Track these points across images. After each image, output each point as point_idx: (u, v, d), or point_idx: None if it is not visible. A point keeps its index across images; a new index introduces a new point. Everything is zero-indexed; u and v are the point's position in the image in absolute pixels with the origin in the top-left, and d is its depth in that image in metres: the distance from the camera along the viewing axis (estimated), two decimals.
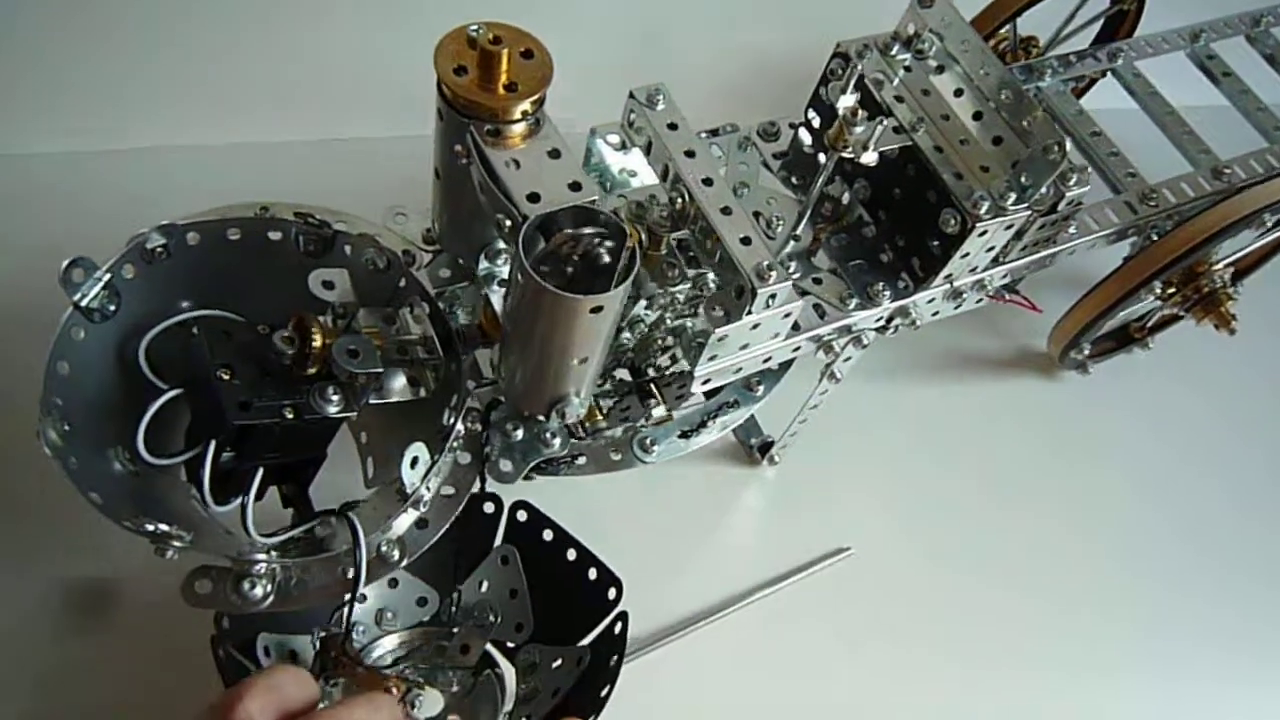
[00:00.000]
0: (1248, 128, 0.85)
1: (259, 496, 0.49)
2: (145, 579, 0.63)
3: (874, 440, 0.84)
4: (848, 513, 0.79)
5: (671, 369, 0.57)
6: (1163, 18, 0.90)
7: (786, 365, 0.63)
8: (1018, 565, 0.80)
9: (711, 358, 0.54)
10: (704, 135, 0.63)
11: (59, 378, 0.45)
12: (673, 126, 0.52)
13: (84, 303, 0.47)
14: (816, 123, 0.62)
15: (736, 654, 0.71)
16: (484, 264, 0.54)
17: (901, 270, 0.62)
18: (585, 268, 0.47)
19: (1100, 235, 0.72)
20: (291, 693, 0.37)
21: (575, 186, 0.46)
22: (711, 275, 0.52)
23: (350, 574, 0.47)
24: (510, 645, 0.59)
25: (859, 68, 0.55)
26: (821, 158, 0.56)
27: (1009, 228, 0.59)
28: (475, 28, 0.45)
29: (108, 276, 0.47)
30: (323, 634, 0.54)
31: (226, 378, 0.46)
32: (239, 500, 0.48)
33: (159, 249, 0.49)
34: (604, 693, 0.53)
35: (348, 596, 0.47)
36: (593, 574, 0.59)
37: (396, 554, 0.48)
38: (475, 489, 0.52)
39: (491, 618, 0.60)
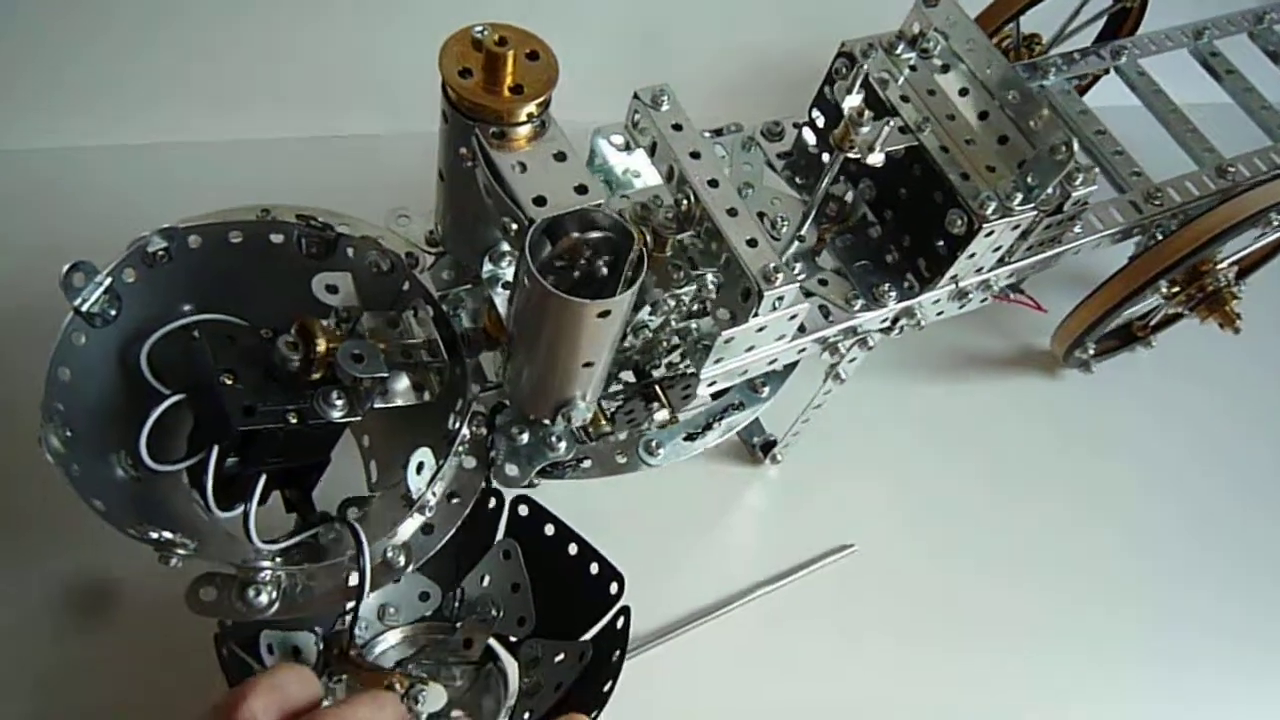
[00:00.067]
0: (1251, 125, 0.85)
1: (262, 501, 0.48)
2: (145, 579, 0.62)
3: (877, 439, 0.84)
4: (851, 511, 0.79)
5: (676, 371, 0.57)
6: (1165, 15, 0.90)
7: (791, 366, 0.62)
8: (1021, 562, 0.80)
9: (717, 360, 0.53)
10: (707, 135, 0.63)
11: (60, 383, 0.45)
12: (678, 127, 0.52)
13: (85, 308, 0.46)
14: (821, 122, 0.62)
15: (739, 650, 0.71)
16: (488, 266, 0.54)
17: (906, 271, 0.62)
18: (592, 271, 0.46)
19: (1105, 235, 0.71)
20: (295, 692, 0.37)
21: (582, 189, 0.45)
22: (710, 277, 0.51)
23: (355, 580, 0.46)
24: (513, 639, 0.59)
25: (864, 68, 0.55)
26: (826, 158, 0.56)
27: (1015, 228, 0.58)
28: (480, 29, 0.45)
29: (108, 281, 0.47)
30: (326, 634, 0.54)
31: (230, 383, 0.46)
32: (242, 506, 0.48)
33: (160, 252, 0.49)
34: (606, 688, 0.53)
35: (351, 605, 0.46)
36: (594, 569, 0.59)
37: (402, 560, 0.48)
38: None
39: (494, 612, 0.59)
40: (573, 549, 0.59)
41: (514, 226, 0.45)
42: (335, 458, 0.53)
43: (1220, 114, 0.85)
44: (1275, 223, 0.75)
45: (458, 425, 0.49)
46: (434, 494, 0.49)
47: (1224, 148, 0.80)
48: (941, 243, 0.59)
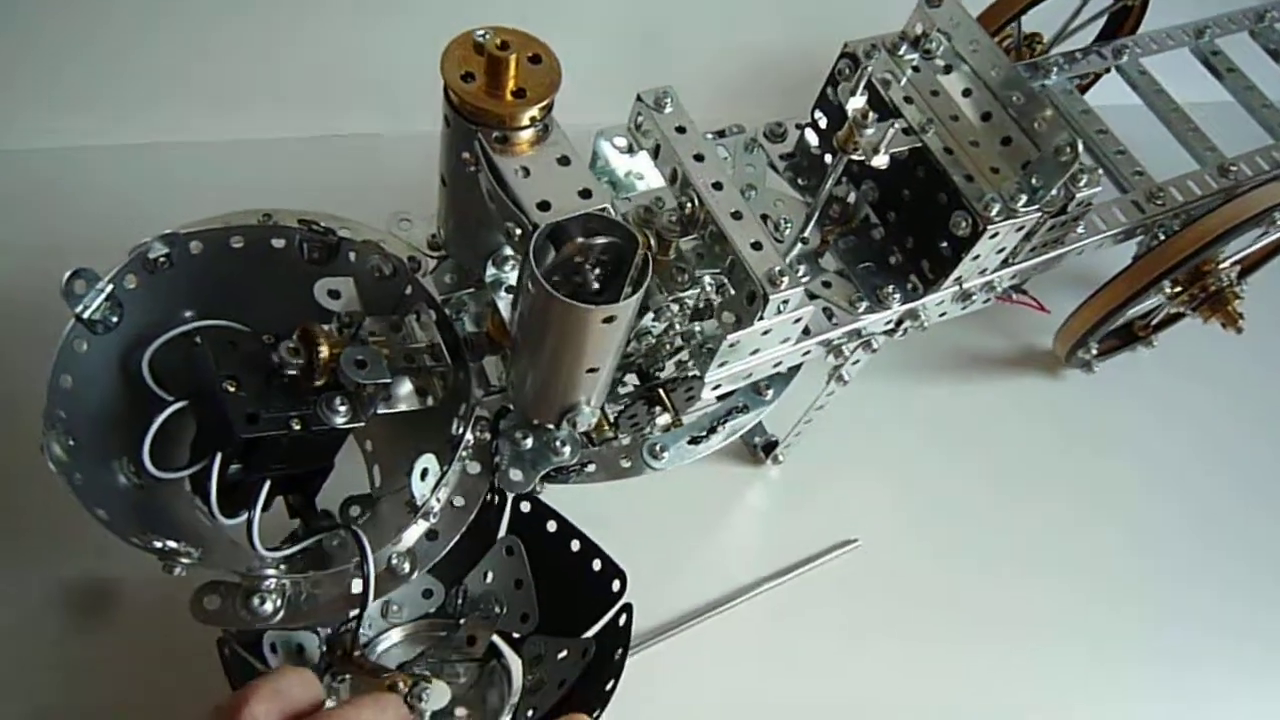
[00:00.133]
0: (1253, 124, 0.85)
1: (265, 508, 0.48)
2: (146, 579, 0.61)
3: (879, 438, 0.83)
4: (852, 511, 0.79)
5: (681, 374, 0.56)
6: (1166, 13, 0.90)
7: (795, 369, 0.62)
8: (1024, 561, 0.80)
9: (722, 364, 0.53)
10: (710, 136, 0.63)
11: (62, 391, 0.45)
12: (681, 130, 0.52)
13: (86, 315, 0.46)
14: (824, 124, 0.62)
15: (742, 647, 0.71)
16: (491, 270, 0.54)
17: (910, 272, 0.62)
18: (596, 275, 0.46)
19: (1108, 235, 0.71)
20: (297, 695, 0.37)
21: (586, 194, 0.45)
22: (708, 279, 0.51)
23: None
24: (516, 636, 0.59)
25: (868, 69, 0.55)
26: (829, 159, 0.56)
27: (1020, 229, 0.58)
28: (482, 33, 0.45)
29: (110, 288, 0.47)
30: (329, 635, 0.53)
31: (232, 389, 0.45)
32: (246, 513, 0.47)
33: (161, 258, 0.49)
34: (609, 686, 0.53)
35: (355, 612, 0.46)
36: (596, 565, 0.59)
37: (407, 566, 0.48)
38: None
39: (497, 609, 0.59)
40: (575, 546, 0.59)
41: (518, 231, 0.45)
42: (338, 463, 0.52)
43: (1222, 113, 0.85)
44: (1278, 222, 0.75)
45: (461, 430, 0.49)
46: (438, 500, 0.49)
47: (1226, 147, 0.80)
48: (946, 244, 0.59)
